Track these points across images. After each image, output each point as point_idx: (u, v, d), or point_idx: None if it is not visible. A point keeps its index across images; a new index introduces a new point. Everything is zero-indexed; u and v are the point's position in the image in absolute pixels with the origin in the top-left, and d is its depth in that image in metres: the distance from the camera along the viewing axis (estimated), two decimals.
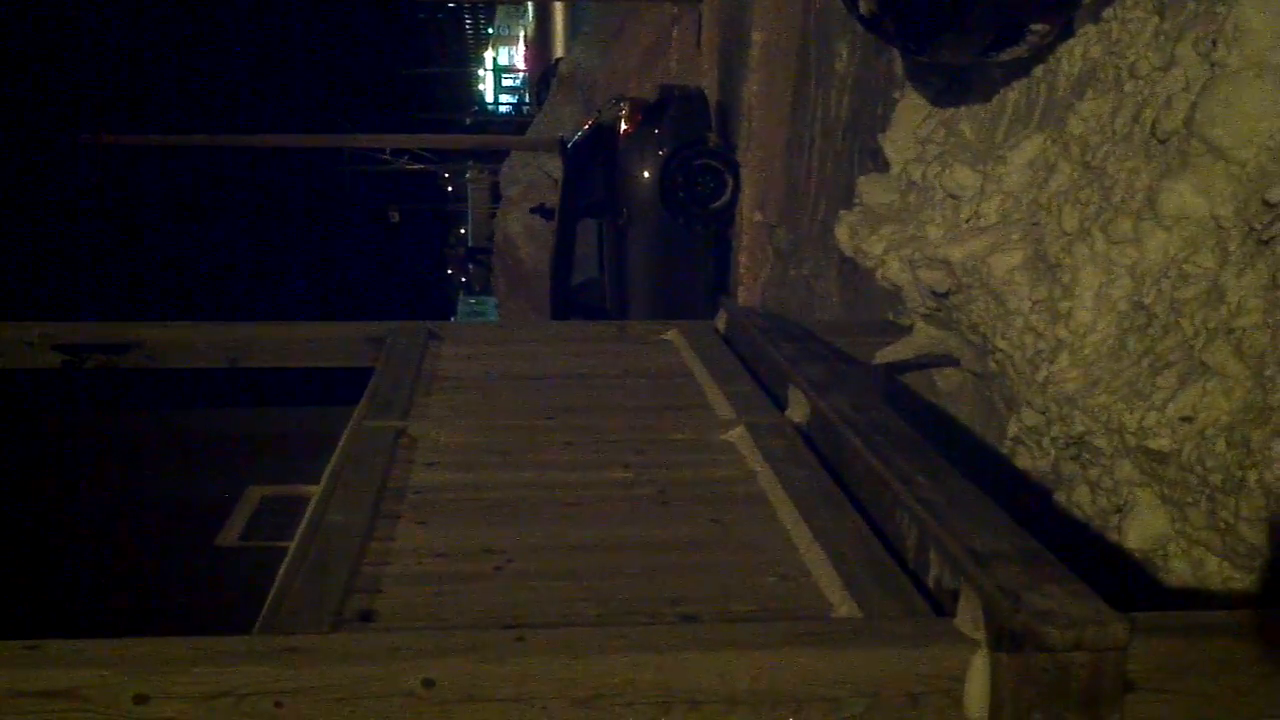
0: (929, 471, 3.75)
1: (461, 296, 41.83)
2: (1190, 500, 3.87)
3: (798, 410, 4.81)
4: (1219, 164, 4.07)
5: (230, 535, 6.22)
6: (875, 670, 2.86)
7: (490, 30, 70.95)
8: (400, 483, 4.27)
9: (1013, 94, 5.50)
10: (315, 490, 4.21)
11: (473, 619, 3.31)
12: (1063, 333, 4.54)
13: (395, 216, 43.40)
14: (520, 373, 5.78)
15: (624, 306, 12.86)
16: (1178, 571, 4.00)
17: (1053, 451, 4.61)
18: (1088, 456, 4.35)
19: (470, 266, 41.38)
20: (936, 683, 2.87)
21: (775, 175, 10.39)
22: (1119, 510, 4.21)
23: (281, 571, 3.50)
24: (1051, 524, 4.48)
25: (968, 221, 5.33)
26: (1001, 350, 4.98)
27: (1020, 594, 2.88)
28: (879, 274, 5.85)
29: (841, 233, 6.34)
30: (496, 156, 34.91)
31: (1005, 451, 5.05)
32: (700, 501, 4.15)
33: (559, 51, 37.11)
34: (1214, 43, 4.12)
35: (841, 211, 6.57)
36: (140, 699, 2.73)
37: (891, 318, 6.31)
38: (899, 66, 6.62)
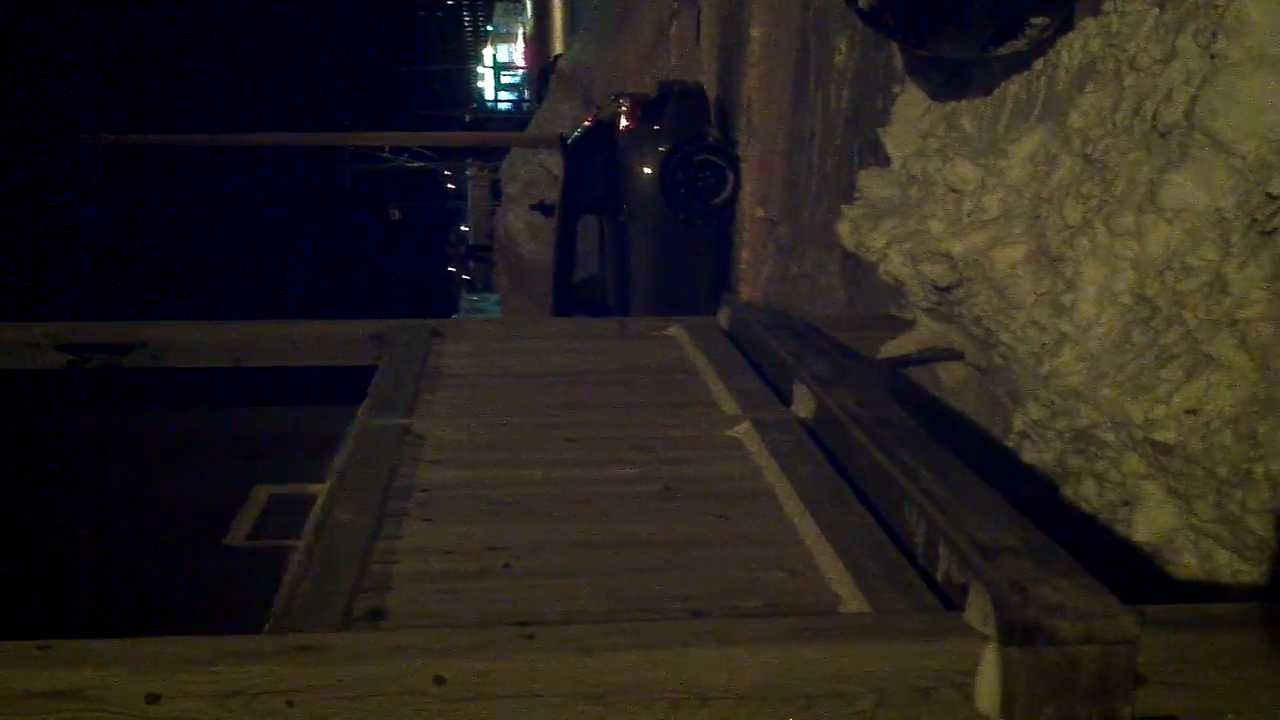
0: (935, 466, 3.75)
1: (463, 294, 41.84)
2: (1197, 493, 3.87)
3: (803, 405, 4.82)
4: (1220, 156, 4.07)
5: (238, 534, 6.23)
6: (885, 665, 2.87)
7: (489, 27, 70.90)
8: (406, 480, 4.27)
9: (1013, 87, 5.50)
10: (322, 489, 4.22)
11: (481, 616, 3.32)
12: (1066, 326, 4.55)
13: (396, 214, 43.39)
14: (524, 370, 5.78)
15: (626, 303, 12.85)
16: (1186, 564, 4.00)
17: (1058, 445, 4.62)
18: (1094, 450, 4.36)
19: (471, 264, 41.37)
20: (947, 677, 2.87)
21: (776, 170, 10.39)
22: (1126, 503, 4.22)
23: (290, 570, 3.51)
24: (1058, 518, 4.48)
25: (969, 215, 5.33)
26: (1005, 344, 4.99)
27: (1029, 588, 2.89)
28: (881, 268, 5.85)
29: (843, 227, 6.34)
30: (497, 153, 34.90)
31: (1010, 445, 5.05)
32: (706, 498, 4.15)
33: (558, 48, 37.10)
34: (1214, 35, 4.12)
35: (843, 206, 6.57)
36: (152, 698, 2.73)
37: (894, 312, 6.31)
38: (899, 61, 6.62)
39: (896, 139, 6.35)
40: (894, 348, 5.98)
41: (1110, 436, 4.23)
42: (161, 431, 7.48)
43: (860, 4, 5.37)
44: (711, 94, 12.88)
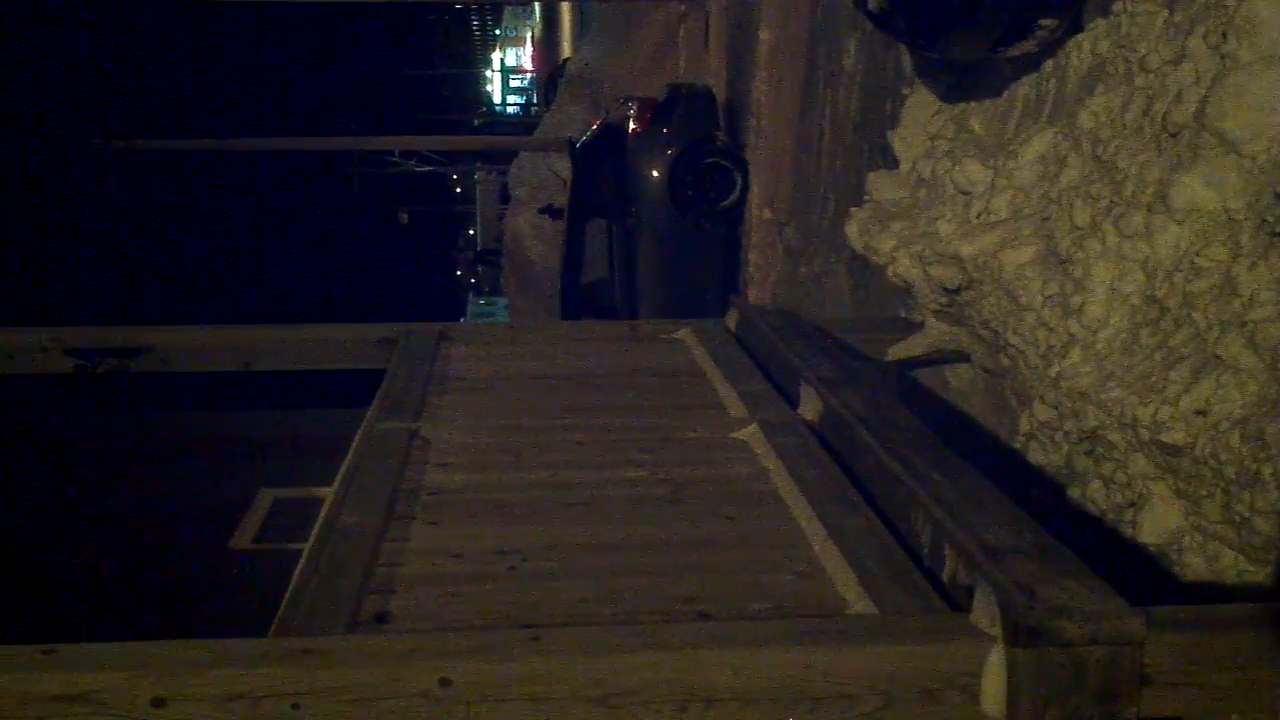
0: (943, 468, 3.75)
1: (471, 297, 41.91)
2: (1205, 494, 3.86)
3: (810, 408, 4.81)
4: (1230, 157, 4.06)
5: (244, 538, 6.23)
6: (891, 667, 2.86)
7: (498, 31, 71.00)
8: (413, 484, 4.27)
9: (1022, 89, 5.50)
10: (328, 492, 4.22)
11: (488, 619, 3.32)
12: (1075, 327, 4.54)
13: (404, 218, 43.46)
14: (532, 373, 5.78)
15: (634, 306, 12.86)
16: (1193, 566, 3.99)
17: (1066, 446, 4.61)
18: (1101, 451, 4.35)
19: (479, 268, 41.44)
20: (953, 679, 2.86)
21: (784, 173, 10.39)
22: (1133, 505, 4.21)
23: (296, 573, 3.51)
24: (1065, 519, 4.47)
25: (978, 217, 5.32)
26: (1013, 346, 4.98)
27: (1036, 589, 2.88)
28: (890, 270, 5.84)
29: (852, 230, 6.33)
30: (505, 157, 34.93)
31: (1018, 447, 5.04)
32: (714, 500, 4.15)
33: (567, 52, 37.12)
34: (1224, 35, 4.11)
35: (851, 208, 6.57)
36: (158, 702, 2.74)
37: (903, 314, 6.30)
38: (907, 63, 6.62)
39: (905, 141, 6.34)
40: (902, 349, 5.98)
41: (1118, 437, 4.22)
42: (167, 435, 7.48)
43: (869, 6, 5.37)
44: (720, 97, 12.88)
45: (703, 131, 12.34)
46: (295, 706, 2.76)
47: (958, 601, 3.20)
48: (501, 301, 33.90)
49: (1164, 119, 4.35)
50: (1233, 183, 4.05)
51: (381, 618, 3.31)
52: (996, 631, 2.89)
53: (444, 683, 2.79)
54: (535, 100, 54.24)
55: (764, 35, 11.03)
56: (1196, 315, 4.05)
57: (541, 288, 20.96)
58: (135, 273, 20.24)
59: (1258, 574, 3.78)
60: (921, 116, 6.28)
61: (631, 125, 12.70)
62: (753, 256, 11.50)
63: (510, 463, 4.54)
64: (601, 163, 13.27)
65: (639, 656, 2.86)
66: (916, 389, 6.32)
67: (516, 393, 5.48)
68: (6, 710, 2.73)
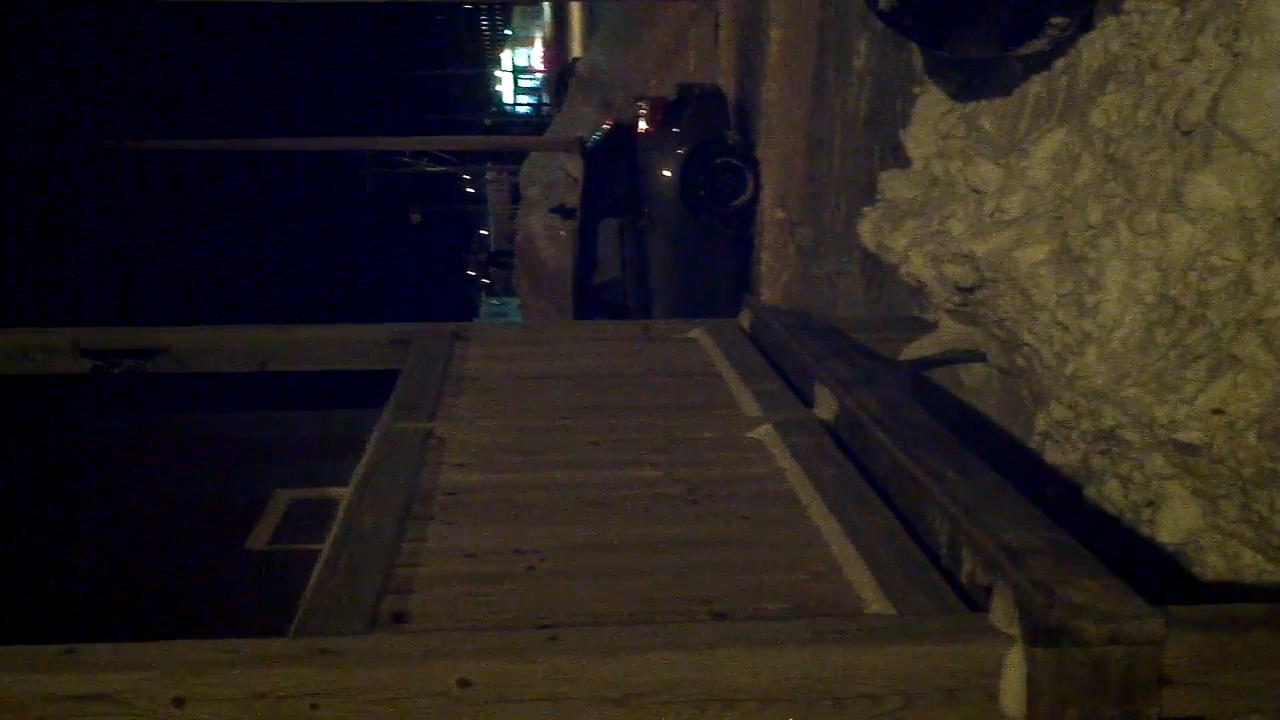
0: (959, 467, 3.75)
1: (484, 298, 41.94)
2: (1222, 493, 3.86)
3: (825, 407, 4.81)
4: (1243, 155, 4.06)
5: (260, 539, 6.24)
6: (910, 667, 2.86)
7: (508, 31, 70.98)
8: (429, 484, 4.28)
9: (1033, 87, 5.49)
10: (344, 493, 4.22)
11: (506, 619, 3.32)
12: (1090, 326, 4.53)
13: (416, 218, 43.49)
14: (546, 373, 5.78)
15: (646, 305, 12.86)
16: (1211, 565, 3.99)
17: (1082, 446, 4.60)
18: (1118, 450, 4.34)
19: (492, 270, 41.48)
20: (972, 678, 2.86)
21: (795, 172, 10.39)
22: (1150, 504, 4.21)
23: (314, 574, 3.52)
24: (1082, 519, 4.47)
25: (991, 216, 5.32)
26: (1028, 345, 4.97)
27: (1055, 589, 2.88)
28: (903, 270, 5.84)
29: (864, 229, 6.33)
30: (516, 157, 34.94)
31: (1034, 446, 5.04)
32: (729, 500, 4.15)
33: (577, 52, 37.12)
34: (1235, 33, 4.11)
35: (864, 208, 6.57)
36: (178, 702, 2.75)
37: (916, 313, 6.30)
38: (918, 61, 6.61)
39: (917, 140, 6.34)
40: (916, 349, 5.98)
41: (1134, 437, 4.22)
42: (183, 436, 7.50)
43: (880, 5, 5.36)
44: (730, 96, 12.88)
45: (713, 131, 12.34)
46: (314, 707, 2.77)
47: (976, 601, 3.20)
48: (514, 301, 33.95)
49: (1176, 117, 4.35)
50: (1246, 181, 4.05)
51: (400, 618, 3.31)
52: (1015, 631, 2.89)
53: (463, 683, 2.80)
54: (546, 100, 54.26)
55: (774, 35, 11.02)
56: (1211, 314, 4.05)
57: (554, 288, 20.96)
58: (148, 273, 20.28)
59: (1277, 573, 3.78)
60: (933, 115, 6.28)
61: (642, 125, 12.70)
62: (765, 256, 11.50)
63: (526, 463, 4.55)
64: (613, 163, 13.27)
65: (656, 656, 2.86)
66: (931, 388, 6.32)
67: (531, 393, 5.48)
68: (28, 710, 2.75)
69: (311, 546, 4.38)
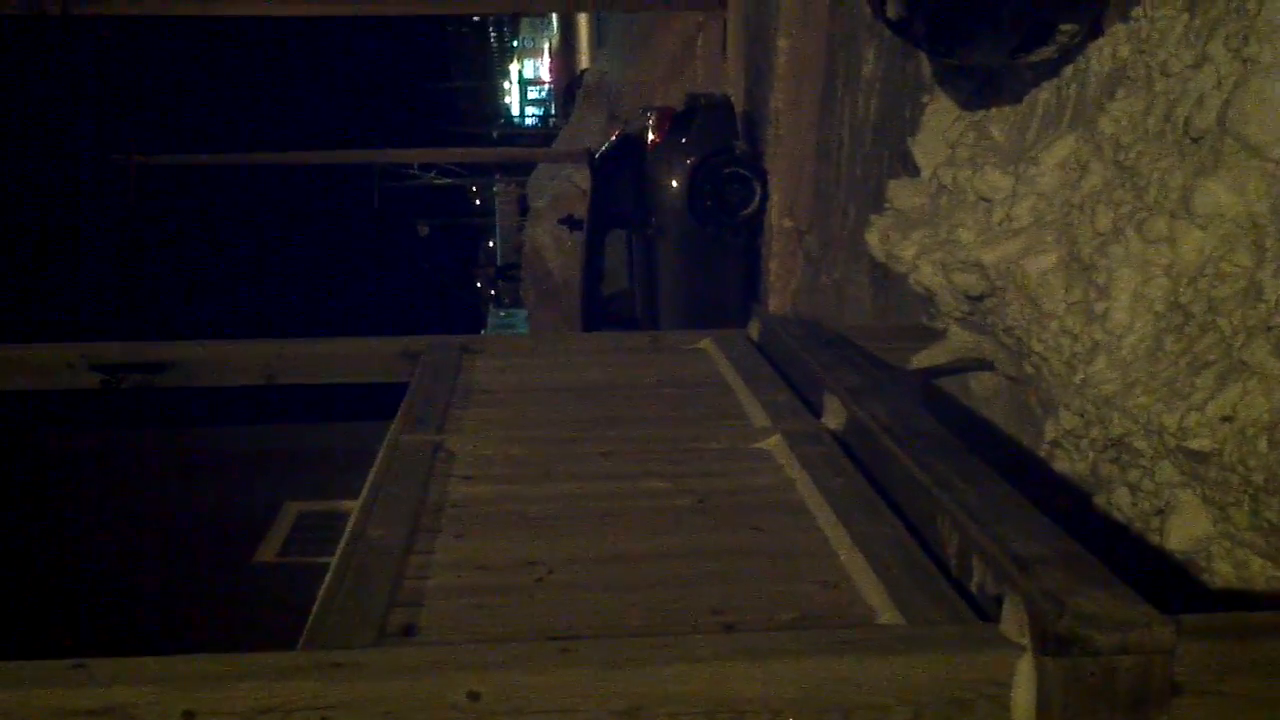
0: (968, 476, 3.74)
1: (491, 309, 41.95)
2: (1232, 501, 3.84)
3: (834, 417, 4.81)
4: (1253, 161, 4.05)
5: (268, 551, 6.25)
6: (921, 677, 2.85)
7: (515, 43, 71.15)
8: (439, 496, 4.28)
9: (1042, 95, 5.49)
10: (353, 505, 4.22)
11: (515, 631, 3.32)
12: (1099, 334, 4.52)
13: (424, 230, 43.56)
14: (555, 384, 5.78)
15: (655, 316, 12.85)
16: (1221, 573, 3.97)
17: (1091, 454, 4.59)
18: (1127, 458, 4.33)
19: (500, 283, 41.51)
20: (983, 688, 2.86)
21: (804, 181, 10.39)
22: (1160, 512, 4.19)
23: (324, 586, 3.51)
24: (1091, 527, 4.46)
25: (1000, 224, 5.31)
26: (1037, 353, 4.96)
27: (1065, 598, 2.87)
28: (911, 278, 5.83)
29: (872, 238, 6.33)
30: (524, 169, 35.01)
31: (1043, 455, 5.03)
32: (739, 510, 4.14)
33: (584, 63, 37.19)
34: (1245, 39, 4.10)
35: (872, 216, 6.56)
36: (188, 715, 2.74)
37: (925, 322, 6.29)
38: (927, 70, 6.62)
39: (925, 148, 6.33)
40: (925, 358, 5.97)
41: (1144, 445, 4.21)
42: (192, 449, 7.51)
43: (888, 13, 5.36)
44: (739, 106, 12.88)
45: (722, 141, 12.33)
46: (325, 719, 2.76)
47: (986, 611, 3.19)
48: (522, 313, 33.95)
49: (1186, 124, 4.34)
50: (1256, 187, 4.04)
51: (409, 630, 3.31)
52: (1026, 641, 2.88)
53: (472, 695, 2.80)
54: (553, 111, 54.33)
55: (782, 44, 11.02)
56: (1221, 321, 4.04)
57: (562, 299, 20.98)
58: (156, 288, 20.32)
59: None
60: (941, 124, 6.27)
61: (650, 135, 12.69)
62: (773, 265, 11.48)
63: (535, 474, 4.55)
64: (620, 173, 13.26)
65: (667, 668, 2.86)
66: (940, 397, 6.31)
67: (540, 404, 5.48)
68: None
69: (320, 559, 4.38)
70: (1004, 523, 3.36)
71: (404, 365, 6.04)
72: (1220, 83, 4.22)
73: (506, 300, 40.26)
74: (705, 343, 6.30)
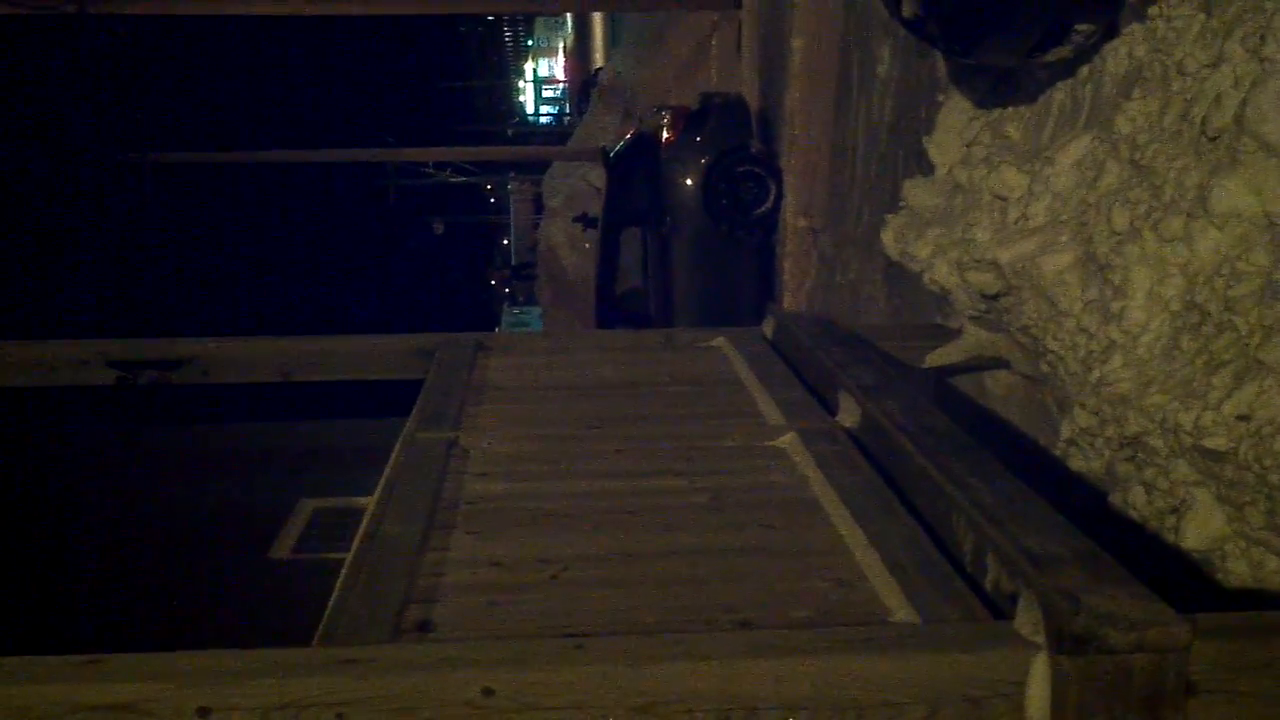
0: (983, 474, 3.73)
1: (505, 307, 41.99)
2: (1248, 500, 3.84)
3: (848, 415, 4.80)
4: (1271, 160, 4.04)
5: (283, 548, 6.26)
6: (935, 675, 2.85)
7: (530, 42, 71.20)
8: (453, 493, 4.28)
9: (1058, 94, 5.48)
10: (368, 502, 4.23)
11: (530, 628, 3.32)
12: (1115, 333, 4.52)
13: (439, 228, 43.61)
14: (569, 382, 5.79)
15: (669, 315, 12.85)
16: (1237, 572, 3.96)
17: (1107, 453, 4.58)
18: (1143, 457, 4.33)
19: (515, 282, 41.55)
20: (997, 687, 2.85)
21: (818, 180, 10.38)
22: (1175, 511, 4.18)
23: (339, 583, 3.52)
24: (1107, 526, 4.45)
25: (1016, 223, 5.31)
26: (1053, 352, 4.96)
27: (1080, 596, 2.86)
28: (927, 277, 5.83)
29: (888, 237, 6.33)
30: (538, 167, 35.04)
31: (1058, 454, 5.02)
32: (753, 508, 4.14)
33: (599, 61, 37.19)
34: (1263, 38, 4.09)
35: (887, 215, 6.56)
36: (203, 712, 2.75)
37: (940, 321, 6.29)
38: (942, 69, 6.60)
39: (941, 147, 6.32)
40: (939, 356, 5.96)
41: (1160, 443, 4.20)
42: (207, 446, 7.53)
43: (904, 12, 5.36)
44: (753, 105, 12.87)
45: (736, 140, 12.32)
46: (340, 716, 2.77)
47: (1001, 609, 3.19)
48: (536, 311, 33.99)
49: (1202, 123, 4.33)
50: (1273, 186, 4.03)
51: (424, 627, 3.32)
52: (1041, 639, 2.87)
53: (487, 692, 2.80)
54: (568, 110, 54.35)
55: (796, 43, 11.01)
56: (1238, 320, 4.03)
57: (576, 297, 20.99)
58: (170, 285, 20.37)
59: None
60: (957, 123, 6.26)
61: (665, 134, 12.69)
62: (788, 264, 11.47)
63: (549, 472, 4.55)
64: (635, 172, 13.25)
65: (681, 666, 2.86)
66: (955, 395, 6.30)
67: (554, 402, 5.49)
68: None
69: (335, 555, 4.39)
70: (1019, 521, 3.36)
71: (418, 362, 6.04)
72: (1237, 82, 4.21)
73: (521, 298, 40.31)
74: (719, 341, 6.30)
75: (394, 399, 5.85)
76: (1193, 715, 2.83)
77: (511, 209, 45.85)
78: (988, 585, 3.31)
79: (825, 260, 10.02)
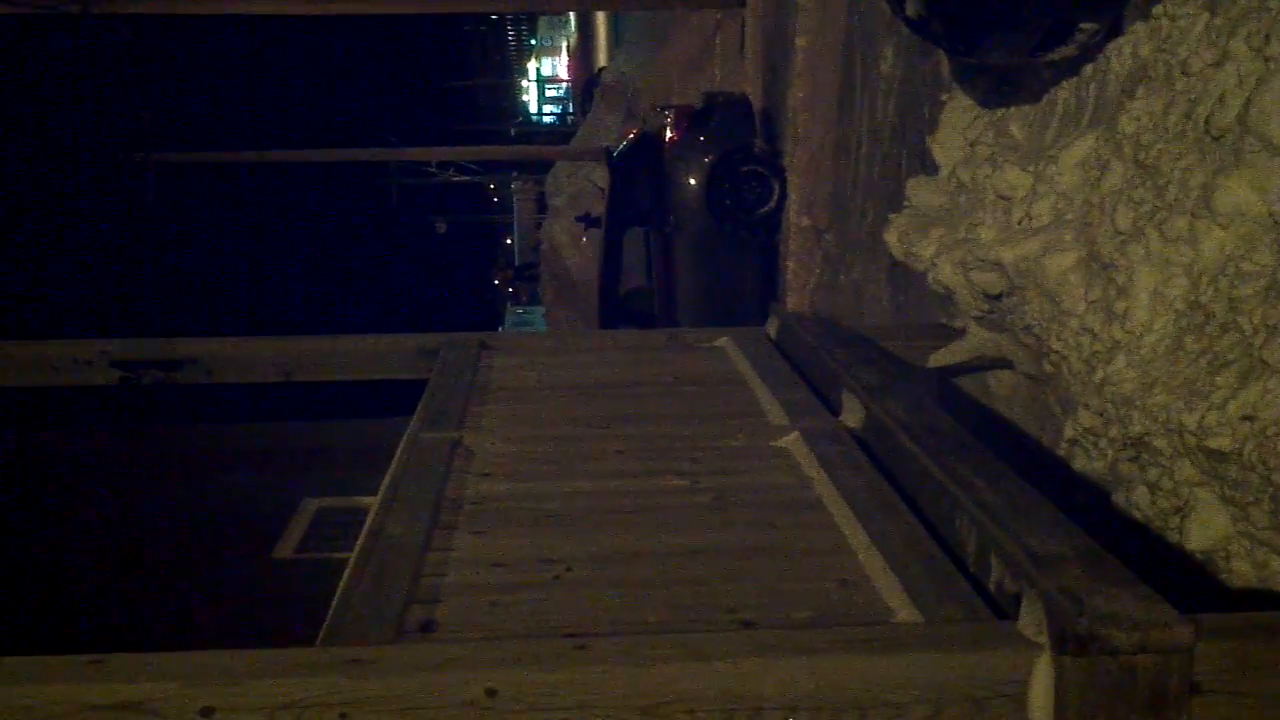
0: (987, 475, 3.73)
1: (509, 306, 42.01)
2: (1252, 500, 3.83)
3: (852, 415, 4.80)
4: (1275, 160, 4.03)
5: (287, 547, 6.26)
6: (938, 675, 2.85)
7: (533, 41, 71.20)
8: (457, 493, 4.28)
9: (1062, 93, 5.47)
10: (371, 502, 4.23)
11: (533, 628, 3.32)
12: (1119, 333, 4.51)
13: (442, 227, 43.62)
14: (573, 382, 5.79)
15: (672, 314, 12.85)
16: (1240, 572, 3.96)
17: (1110, 453, 4.58)
18: (1146, 457, 4.32)
19: (518, 283, 41.56)
20: (1000, 687, 2.85)
21: (822, 180, 10.38)
22: (1179, 511, 4.18)
23: (342, 583, 3.52)
24: (1110, 527, 4.44)
25: (1019, 223, 5.30)
26: (1057, 352, 4.95)
27: (1083, 597, 2.86)
28: (930, 277, 5.82)
29: (891, 236, 6.32)
30: (542, 167, 35.04)
31: (1062, 454, 5.02)
32: (756, 508, 4.14)
33: (602, 61, 37.20)
34: (1267, 37, 4.08)
35: (891, 215, 6.55)
36: (207, 711, 2.75)
37: (943, 321, 6.28)
38: (945, 68, 6.60)
39: (944, 147, 6.32)
40: (943, 356, 5.96)
41: (1163, 444, 4.20)
42: (211, 446, 7.53)
43: (907, 12, 5.35)
44: (757, 104, 12.87)
45: (740, 139, 12.32)
46: (343, 716, 2.77)
47: (1004, 609, 3.19)
48: (539, 310, 33.98)
49: (1207, 122, 4.32)
50: (1278, 185, 4.02)
51: (427, 627, 3.32)
52: (1044, 640, 2.87)
53: (490, 692, 2.80)
54: (571, 109, 54.35)
55: (800, 42, 11.00)
56: (1242, 320, 4.02)
57: (579, 296, 20.99)
58: (174, 285, 20.38)
59: None
60: (960, 122, 6.26)
61: (668, 134, 12.69)
62: (791, 264, 11.47)
63: (553, 472, 4.55)
64: (638, 171, 13.26)
65: (684, 666, 2.86)
66: (958, 395, 6.30)
67: (558, 402, 5.49)
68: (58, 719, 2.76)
69: (339, 555, 4.39)
70: (1022, 521, 3.36)
71: (422, 362, 6.05)
72: (1242, 81, 4.21)
73: (524, 297, 40.33)
74: (723, 341, 6.30)
75: (397, 399, 5.85)
76: (1196, 716, 2.83)
77: (515, 208, 45.90)
78: (991, 585, 3.31)
79: (829, 260, 10.02)
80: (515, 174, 44.47)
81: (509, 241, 50.39)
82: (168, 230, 20.17)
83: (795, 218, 11.40)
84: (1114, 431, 4.49)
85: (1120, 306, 4.52)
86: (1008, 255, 5.17)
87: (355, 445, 6.55)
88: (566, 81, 64.41)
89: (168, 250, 20.37)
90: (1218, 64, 4.32)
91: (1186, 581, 4.08)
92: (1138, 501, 4.41)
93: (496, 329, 34.50)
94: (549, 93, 71.02)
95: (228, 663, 2.86)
